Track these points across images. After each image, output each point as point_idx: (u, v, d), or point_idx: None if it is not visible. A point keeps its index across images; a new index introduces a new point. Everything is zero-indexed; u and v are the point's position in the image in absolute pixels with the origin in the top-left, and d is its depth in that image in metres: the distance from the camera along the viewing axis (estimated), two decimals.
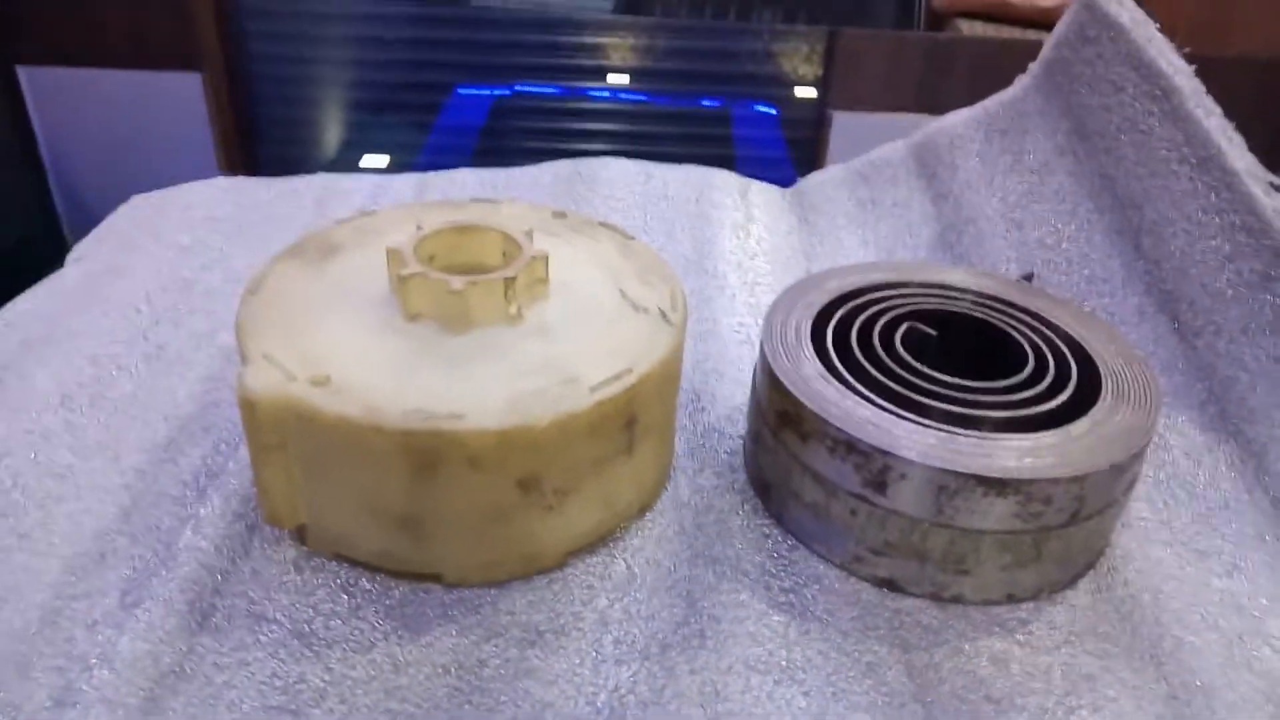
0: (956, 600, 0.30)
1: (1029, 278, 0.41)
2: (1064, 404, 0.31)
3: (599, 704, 0.26)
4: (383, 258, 0.32)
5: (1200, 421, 0.37)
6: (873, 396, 0.30)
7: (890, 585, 0.30)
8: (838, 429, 0.29)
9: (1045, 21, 1.97)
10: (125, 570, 0.29)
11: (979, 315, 0.35)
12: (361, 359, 0.29)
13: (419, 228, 0.33)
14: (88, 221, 0.49)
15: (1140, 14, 0.43)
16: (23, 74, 1.38)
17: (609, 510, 0.31)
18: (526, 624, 0.28)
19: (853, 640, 0.28)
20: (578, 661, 0.27)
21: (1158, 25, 0.43)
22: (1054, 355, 0.33)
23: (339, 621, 0.27)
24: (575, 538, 0.30)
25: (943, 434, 0.29)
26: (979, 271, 0.38)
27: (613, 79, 1.65)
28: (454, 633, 0.27)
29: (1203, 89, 0.40)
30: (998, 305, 0.36)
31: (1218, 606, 0.30)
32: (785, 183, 0.56)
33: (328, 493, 0.29)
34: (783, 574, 0.30)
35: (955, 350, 0.34)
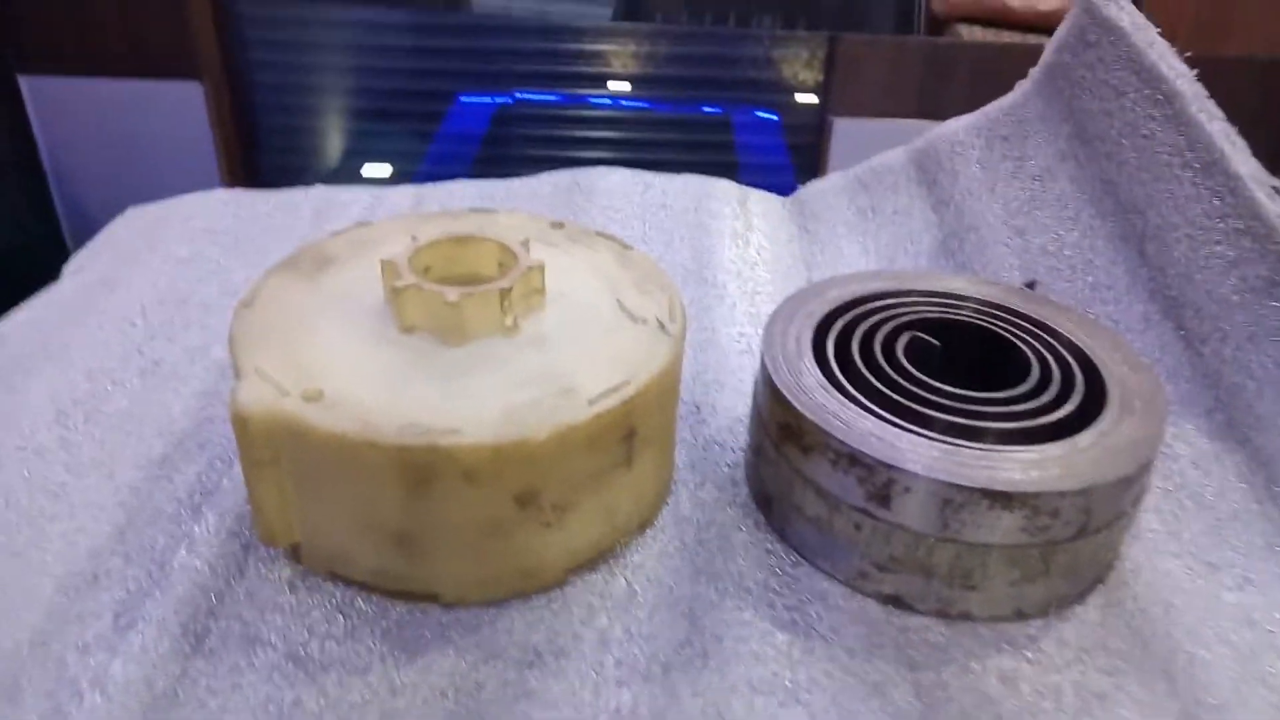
0: (964, 617, 0.29)
1: (1031, 285, 0.41)
2: (1070, 414, 0.30)
3: None
4: (378, 269, 0.32)
5: (1208, 430, 0.37)
6: (875, 408, 0.30)
7: (896, 602, 0.29)
8: (840, 442, 0.29)
9: (1045, 25, 1.97)
10: (119, 591, 0.29)
11: (982, 324, 0.35)
12: (356, 372, 0.28)
13: (414, 239, 0.33)
14: (88, 230, 0.49)
15: (1141, 17, 0.43)
16: (24, 83, 1.38)
17: (609, 525, 0.30)
18: (525, 645, 0.27)
19: (858, 659, 0.27)
20: (578, 684, 0.26)
21: (1158, 28, 0.42)
22: (1059, 364, 0.33)
23: (335, 643, 0.27)
24: (575, 554, 0.30)
25: (947, 446, 0.28)
26: (981, 279, 0.38)
27: (613, 86, 1.66)
28: (451, 654, 0.27)
29: (1204, 93, 0.40)
30: (1001, 313, 0.35)
31: (1230, 621, 0.29)
32: (786, 189, 0.55)
33: (322, 510, 0.28)
34: (786, 591, 0.30)
35: (958, 360, 0.34)
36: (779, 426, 0.31)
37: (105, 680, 0.25)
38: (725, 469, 0.35)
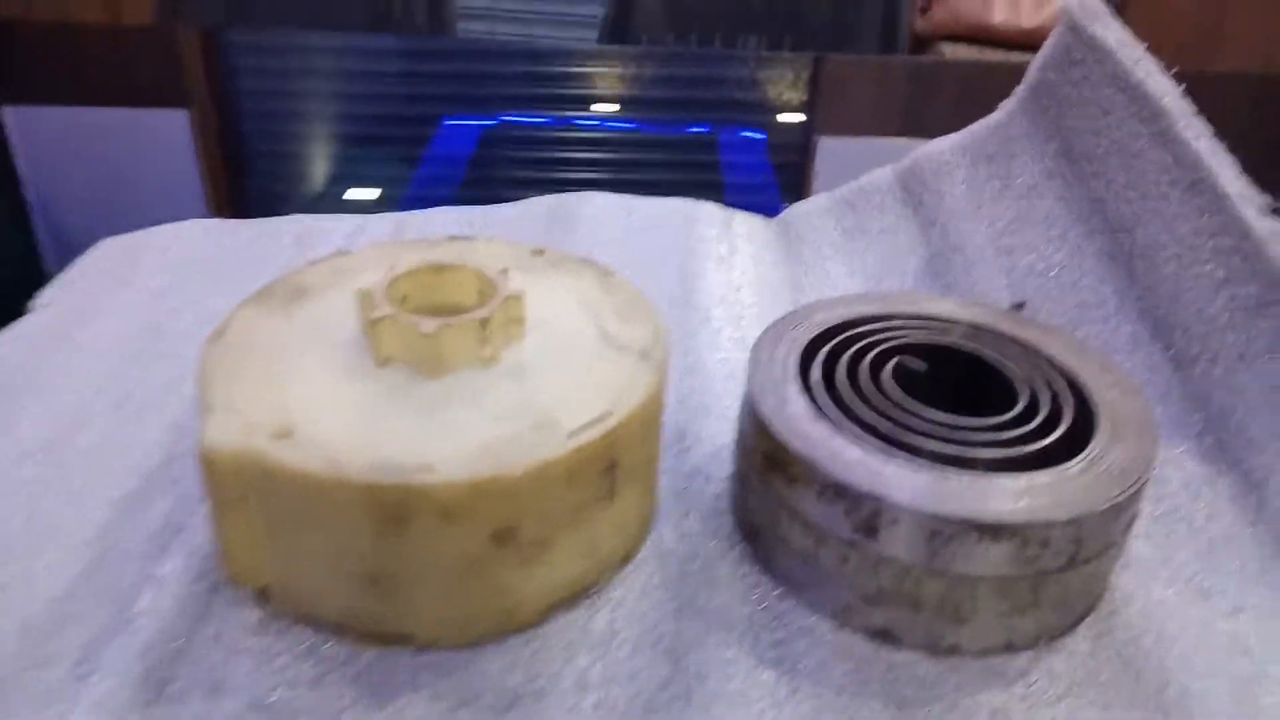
0: (953, 651, 0.28)
1: (1020, 307, 0.40)
2: (1058, 440, 0.30)
3: None
4: (353, 300, 0.31)
5: (1198, 452, 0.36)
6: (862, 436, 0.29)
7: (884, 636, 0.29)
8: (826, 472, 0.28)
9: (1028, 43, 1.98)
10: (82, 635, 0.28)
11: (969, 347, 0.34)
12: (328, 407, 0.28)
13: (391, 268, 0.32)
14: (72, 259, 0.48)
15: (1126, 35, 0.42)
16: (8, 112, 1.38)
17: (590, 560, 0.29)
18: (501, 688, 0.26)
19: (846, 697, 0.27)
20: None
21: (1147, 45, 0.42)
22: (1047, 388, 0.32)
23: (303, 689, 0.26)
24: (554, 591, 0.29)
25: (935, 475, 0.28)
26: (969, 301, 0.37)
27: (599, 107, 1.66)
28: (425, 699, 0.26)
29: (1192, 110, 0.39)
30: (988, 336, 0.35)
31: (1224, 650, 0.29)
32: (772, 208, 0.55)
33: (292, 551, 0.27)
34: (772, 626, 0.29)
35: (945, 384, 0.33)
36: (764, 456, 0.30)
37: None
38: (710, 498, 0.34)
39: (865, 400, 0.31)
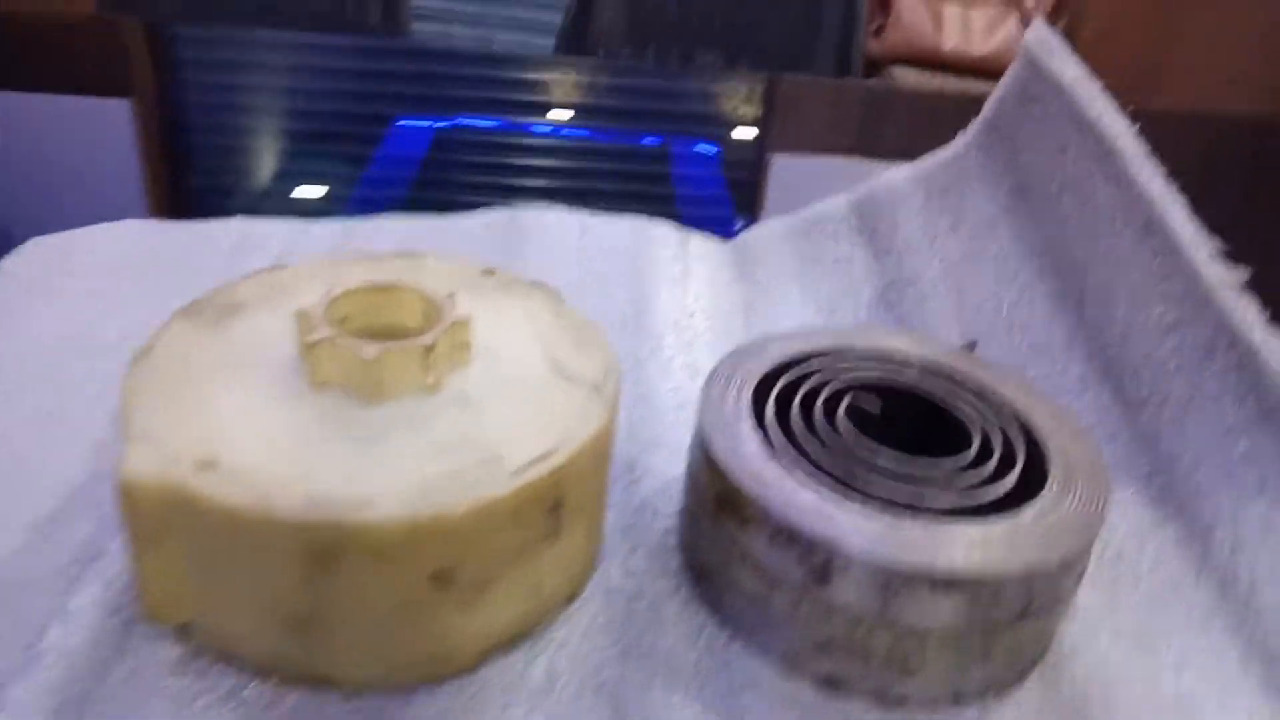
0: (901, 702, 0.28)
1: (972, 346, 0.40)
2: (1011, 488, 0.29)
3: None
4: (290, 318, 0.30)
5: (1145, 497, 0.36)
6: (816, 478, 0.29)
7: (832, 685, 0.28)
8: (779, 516, 0.27)
9: (978, 70, 2.02)
10: None
11: (924, 388, 0.34)
12: (258, 436, 0.26)
13: (331, 286, 0.31)
14: (2, 251, 0.46)
15: (1083, 72, 0.42)
16: None
17: (532, 601, 0.28)
18: None
19: None
20: None
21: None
22: (1000, 431, 0.32)
23: None
24: (493, 634, 0.28)
25: (888, 522, 0.27)
26: (922, 339, 0.37)
27: (554, 114, 1.64)
28: None
29: (1146, 151, 0.40)
30: (942, 376, 0.34)
31: (1170, 705, 0.29)
32: (724, 222, 0.54)
33: (215, 588, 0.26)
34: (718, 672, 0.28)
35: (900, 424, 0.33)
36: (715, 496, 0.30)
37: None
38: (658, 534, 0.33)
39: (819, 440, 0.30)
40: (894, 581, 0.26)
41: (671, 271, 0.49)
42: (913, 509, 0.28)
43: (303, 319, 0.29)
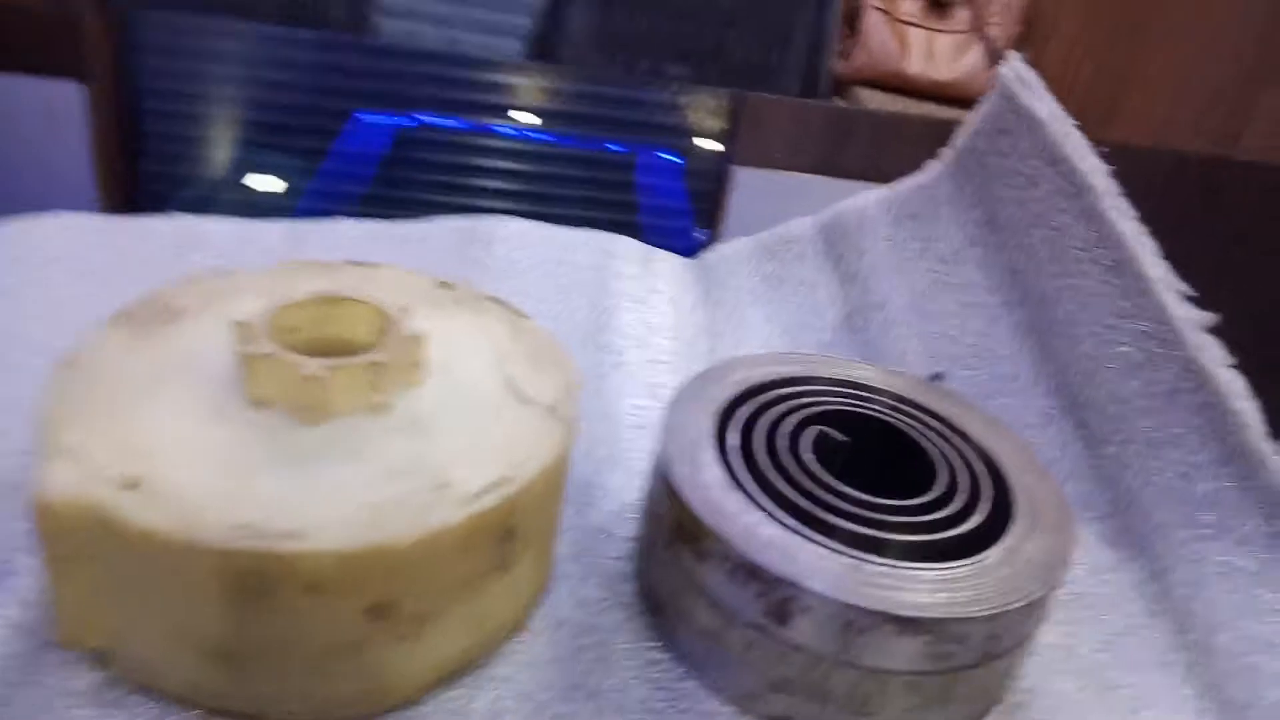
0: None
1: (938, 377, 0.40)
2: (977, 527, 0.29)
3: None
4: (230, 329, 0.28)
5: (1105, 535, 0.36)
6: (778, 512, 0.28)
7: None
8: (739, 551, 0.26)
9: (942, 95, 2.04)
10: None
11: (890, 421, 0.33)
12: (189, 455, 0.24)
13: (276, 296, 0.29)
14: None
15: (1058, 108, 0.42)
16: None
17: (477, 635, 0.27)
18: None
19: None
20: None
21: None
22: (966, 469, 0.31)
23: None
24: (434, 668, 0.26)
25: (851, 561, 0.26)
26: (889, 370, 0.36)
27: (518, 117, 1.63)
28: None
29: (1118, 189, 0.39)
30: (909, 409, 0.34)
31: None
32: (686, 233, 0.53)
33: (135, 614, 0.24)
34: (669, 711, 0.27)
35: (866, 458, 0.32)
36: (673, 526, 0.28)
37: None
38: (612, 561, 0.32)
39: (783, 472, 0.29)
40: (855, 622, 0.25)
41: (635, 289, 0.48)
42: (876, 547, 0.27)
43: (242, 330, 0.27)
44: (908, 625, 0.25)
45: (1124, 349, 0.37)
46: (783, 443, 0.31)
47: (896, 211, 0.48)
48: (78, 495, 0.22)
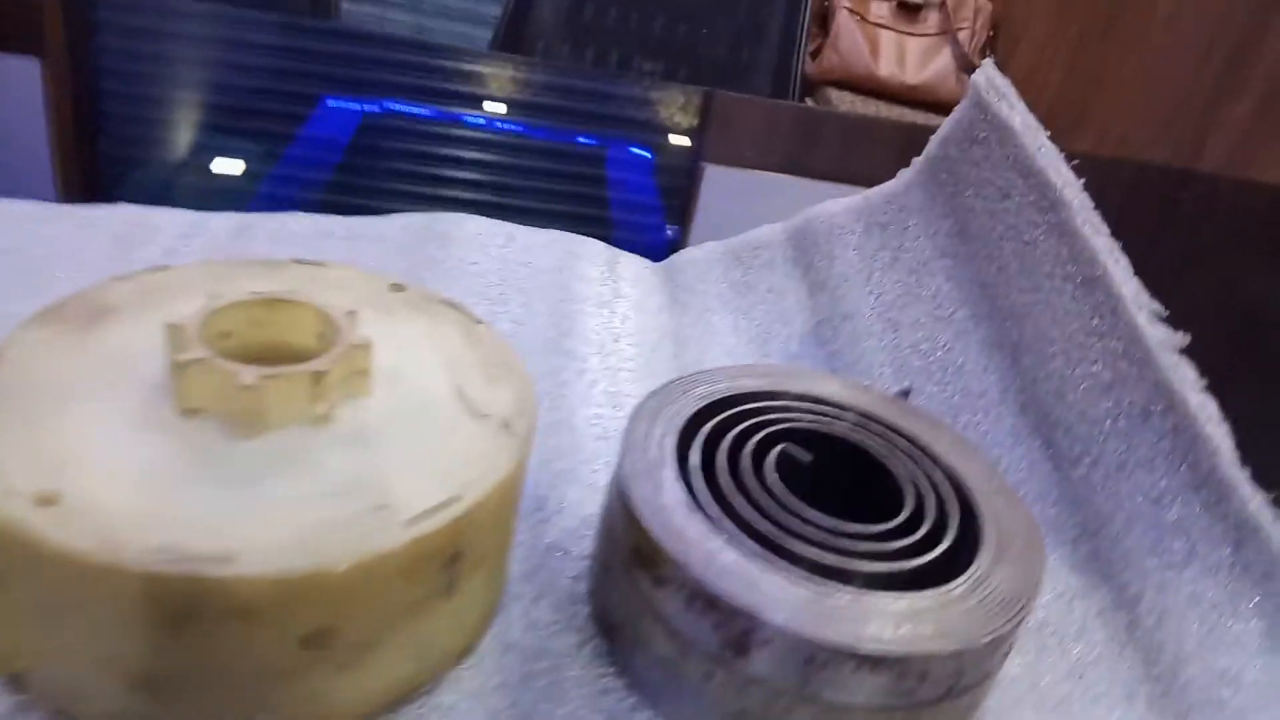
0: None
1: (906, 393, 0.39)
2: (943, 555, 0.28)
3: None
4: (164, 331, 0.26)
5: (1072, 561, 0.35)
6: (739, 536, 0.27)
7: None
8: (698, 579, 0.25)
9: (911, 98, 2.04)
10: None
11: (857, 439, 0.32)
12: (114, 468, 0.23)
13: (214, 296, 0.27)
14: None
15: (1031, 119, 0.42)
16: None
17: (421, 661, 0.25)
18: None
19: None
20: None
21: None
22: (933, 492, 0.30)
23: None
24: (375, 697, 0.25)
25: (813, 591, 0.25)
26: (856, 385, 0.35)
27: (489, 107, 1.60)
28: None
29: (1091, 204, 0.39)
30: (876, 428, 0.33)
31: None
32: (656, 228, 0.52)
33: (53, 638, 0.22)
34: None
35: (831, 478, 0.31)
36: (631, 548, 0.27)
37: None
38: (566, 581, 0.31)
39: (746, 494, 0.28)
40: (817, 656, 0.24)
41: (600, 293, 0.46)
42: (840, 576, 0.26)
43: (175, 334, 0.25)
44: (870, 661, 0.24)
45: (1094, 368, 0.36)
46: (746, 462, 0.29)
47: (867, 219, 0.47)
48: None
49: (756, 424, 0.31)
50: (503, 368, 0.30)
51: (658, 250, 0.65)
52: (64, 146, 1.39)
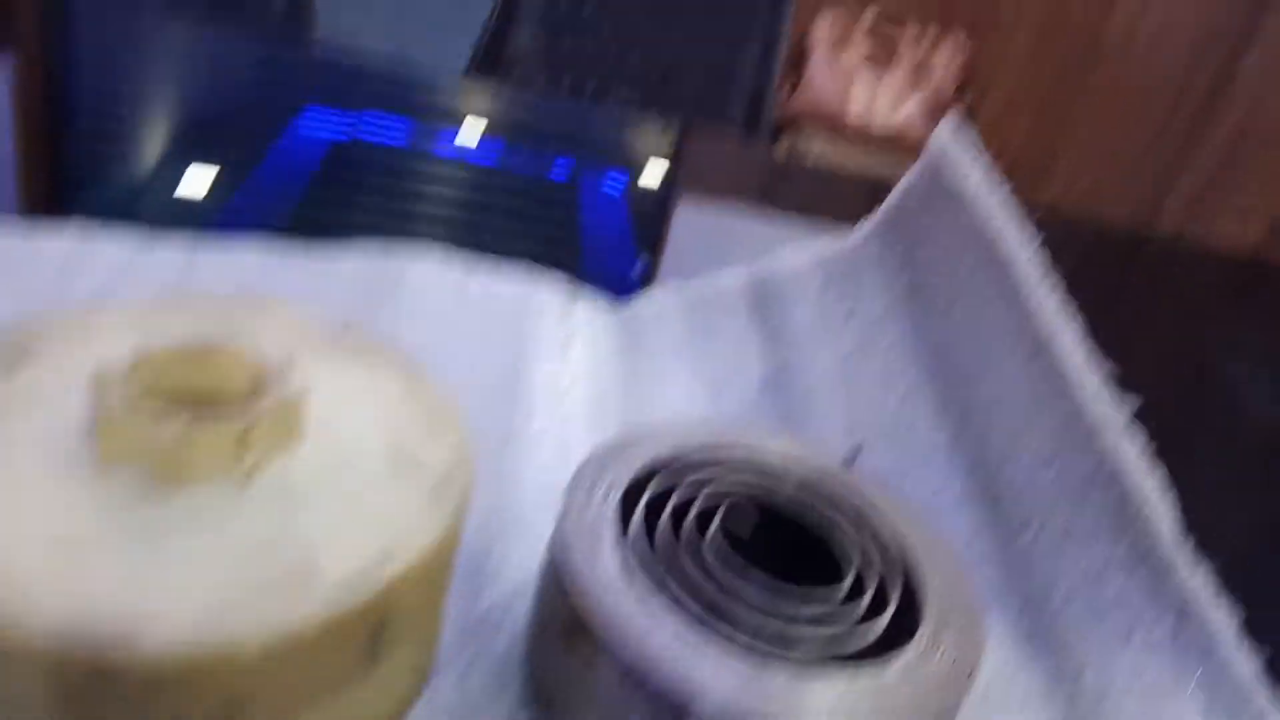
0: None
1: (856, 453, 0.38)
2: (883, 633, 0.27)
3: None
4: (87, 375, 0.25)
5: (1015, 632, 0.35)
6: (677, 609, 0.26)
7: None
8: (633, 654, 0.24)
9: (881, 140, 2.07)
10: None
11: (800, 502, 0.32)
12: (19, 526, 0.22)
13: (143, 340, 0.27)
14: None
15: (987, 180, 0.42)
16: None
17: None
18: None
19: None
20: None
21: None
22: (877, 561, 0.30)
23: None
24: None
25: (751, 669, 0.24)
26: (804, 444, 0.35)
27: (461, 133, 1.60)
28: None
29: (1044, 269, 0.39)
30: (822, 492, 0.32)
31: None
32: (628, 259, 0.52)
33: None
34: None
35: (775, 543, 0.31)
36: (565, 619, 0.26)
37: None
38: (503, 646, 0.30)
39: (686, 563, 0.28)
40: None
41: (554, 336, 0.46)
42: (779, 650, 0.26)
43: (98, 380, 0.24)
44: None
45: (1040, 436, 0.36)
46: (689, 527, 0.29)
47: (826, 271, 0.47)
48: None
49: (700, 487, 0.31)
50: (443, 421, 0.29)
51: (631, 281, 0.65)
52: (29, 149, 1.36)
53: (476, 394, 0.40)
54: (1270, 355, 0.80)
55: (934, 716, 0.25)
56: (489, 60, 1.48)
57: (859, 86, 1.98)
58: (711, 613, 0.26)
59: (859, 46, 2.02)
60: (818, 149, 2.03)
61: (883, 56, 2.02)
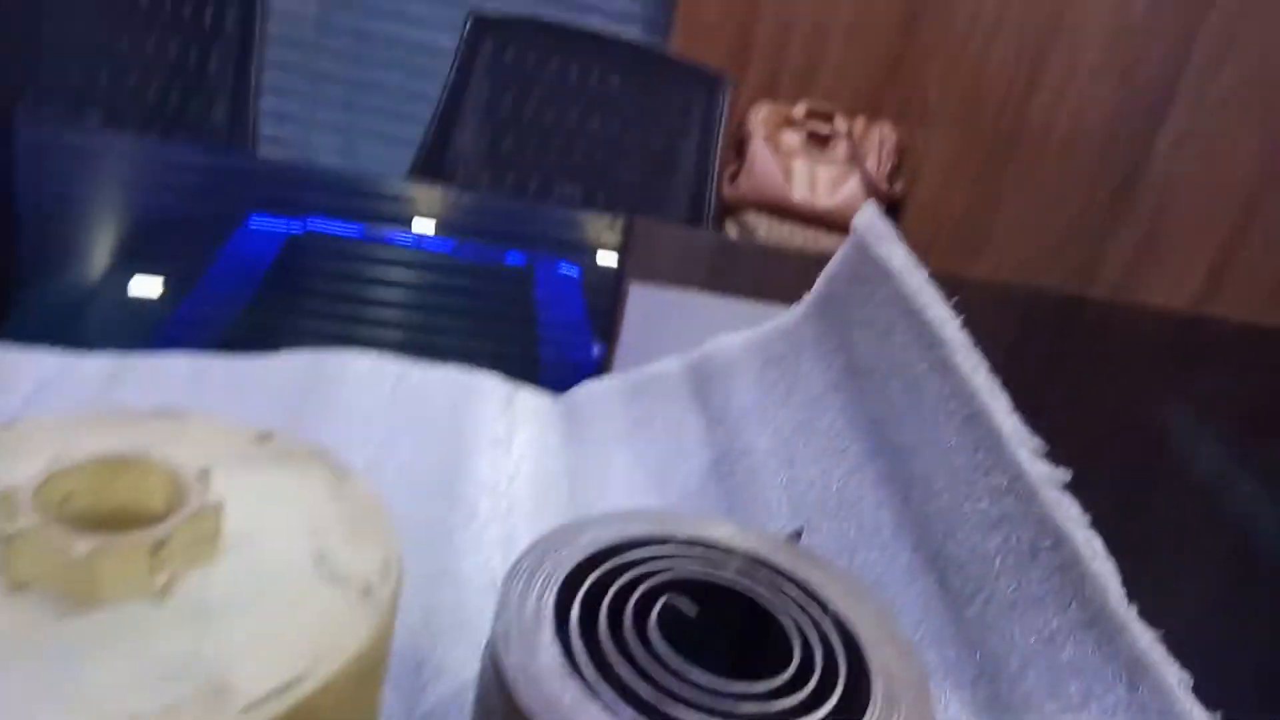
0: None
1: (799, 534, 0.38)
2: (833, 708, 0.27)
3: None
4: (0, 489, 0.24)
5: (972, 705, 0.34)
6: (618, 705, 0.25)
7: None
8: None
9: (824, 221, 2.12)
10: None
11: (744, 586, 0.31)
12: None
13: (61, 454, 0.26)
14: None
15: (910, 259, 0.43)
16: None
17: None
18: None
19: None
20: None
21: (915, 240, 0.42)
22: (822, 643, 0.29)
23: None
24: None
25: None
26: (747, 527, 0.35)
27: (414, 227, 1.62)
28: None
29: (970, 341, 0.40)
30: (765, 574, 0.32)
31: None
32: (585, 346, 0.52)
33: None
34: None
35: (719, 628, 0.30)
36: (507, 715, 0.25)
37: None
38: None
39: (627, 654, 0.27)
40: None
41: (494, 430, 0.45)
42: None
43: (6, 500, 0.24)
44: None
45: (981, 504, 0.36)
46: (629, 617, 0.28)
47: (763, 354, 0.48)
48: None
49: (641, 574, 0.30)
50: (370, 524, 0.28)
51: (587, 367, 0.65)
52: None
53: (418, 490, 0.40)
54: (1214, 406, 0.82)
55: None
56: (432, 163, 1.51)
57: (799, 171, 2.04)
58: (655, 705, 0.25)
59: (796, 134, 2.09)
60: (763, 230, 2.07)
61: (819, 143, 2.08)
